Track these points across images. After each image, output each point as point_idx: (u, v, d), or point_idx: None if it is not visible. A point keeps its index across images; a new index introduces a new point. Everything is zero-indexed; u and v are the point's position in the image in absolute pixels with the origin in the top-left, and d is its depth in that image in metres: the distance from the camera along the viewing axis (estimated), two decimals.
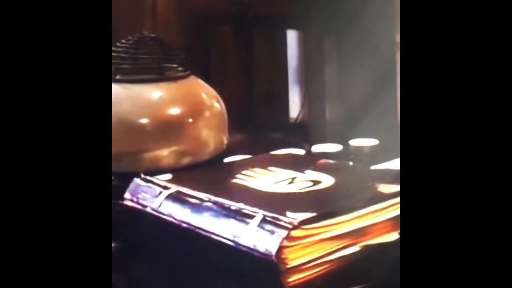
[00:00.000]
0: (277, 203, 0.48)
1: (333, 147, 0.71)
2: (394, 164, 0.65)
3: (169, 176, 0.55)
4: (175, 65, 0.70)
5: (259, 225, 0.43)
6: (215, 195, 0.49)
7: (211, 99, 0.71)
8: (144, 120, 0.65)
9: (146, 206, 0.51)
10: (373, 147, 0.71)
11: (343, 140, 0.73)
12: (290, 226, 0.42)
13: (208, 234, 0.46)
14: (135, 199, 0.52)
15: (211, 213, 0.47)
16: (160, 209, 0.50)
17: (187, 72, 0.71)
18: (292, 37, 1.55)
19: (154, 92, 0.67)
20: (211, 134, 0.69)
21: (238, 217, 0.45)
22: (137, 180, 0.53)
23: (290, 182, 0.52)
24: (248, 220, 0.44)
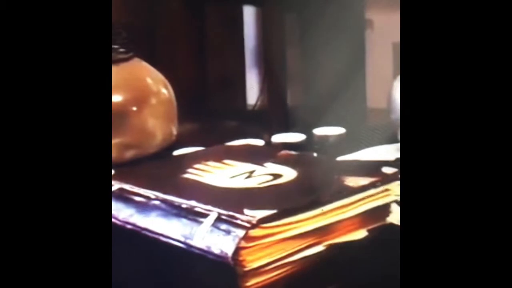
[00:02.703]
0: (233, 200, 0.48)
1: (295, 137, 0.72)
2: (362, 154, 0.66)
3: (111, 173, 0.55)
4: (116, 46, 0.69)
5: (213, 225, 0.44)
6: (164, 192, 0.49)
7: (158, 84, 0.71)
8: None
9: None
10: (340, 136, 0.72)
11: (306, 129, 0.74)
12: (248, 225, 0.43)
13: (156, 236, 0.46)
14: None
15: (159, 212, 0.47)
16: None
17: (130, 54, 0.71)
18: (249, 13, 1.55)
19: None
20: (158, 124, 0.68)
21: (190, 216, 0.45)
22: None
23: (248, 176, 0.52)
24: (201, 219, 0.44)
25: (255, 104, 1.50)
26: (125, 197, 0.50)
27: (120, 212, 0.49)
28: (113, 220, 0.48)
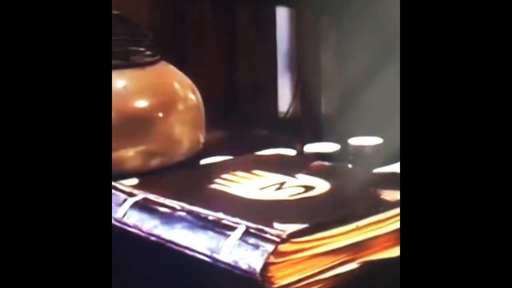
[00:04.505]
0: (262, 213, 0.48)
1: (329, 147, 0.72)
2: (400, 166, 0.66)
3: (135, 180, 0.55)
4: (142, 49, 0.70)
5: (241, 238, 0.44)
6: (190, 203, 0.49)
7: (185, 90, 0.72)
8: None
9: None
10: (376, 146, 0.72)
11: (341, 139, 0.74)
12: (278, 240, 0.43)
13: (181, 249, 0.46)
14: None
15: (184, 224, 0.48)
16: (125, 220, 0.51)
17: (157, 57, 0.71)
18: (282, 15, 1.56)
19: (117, 81, 0.68)
20: (185, 131, 0.69)
21: (217, 229, 0.46)
22: None
23: (278, 188, 0.52)
24: (229, 233, 0.45)
25: (287, 112, 1.50)
26: (149, 208, 0.51)
27: (144, 223, 0.49)
28: (137, 231, 0.49)
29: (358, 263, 0.45)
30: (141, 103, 0.67)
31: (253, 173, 0.56)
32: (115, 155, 0.65)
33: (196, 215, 0.48)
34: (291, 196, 0.51)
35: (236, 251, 0.43)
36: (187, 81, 0.73)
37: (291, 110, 1.50)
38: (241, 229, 0.44)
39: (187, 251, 0.46)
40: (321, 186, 0.52)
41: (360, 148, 0.72)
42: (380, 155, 0.71)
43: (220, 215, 0.47)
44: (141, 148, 0.65)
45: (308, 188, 0.52)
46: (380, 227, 0.46)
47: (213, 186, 0.54)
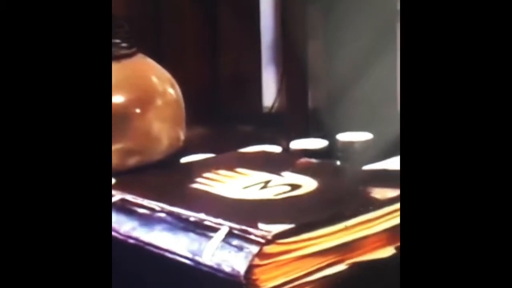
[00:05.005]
0: (246, 213, 0.49)
1: (317, 143, 0.72)
2: (391, 163, 0.67)
3: (112, 180, 0.56)
4: (117, 41, 0.70)
5: (224, 240, 0.44)
6: (170, 204, 0.50)
7: (164, 84, 0.72)
8: None
9: None
10: (366, 142, 0.73)
11: (329, 135, 0.75)
12: (263, 241, 0.43)
13: (161, 252, 0.47)
14: None
15: (164, 225, 0.48)
16: None
17: (133, 49, 0.72)
18: (266, 3, 1.56)
19: None
20: (164, 128, 0.69)
21: (198, 231, 0.46)
22: None
23: (263, 187, 0.53)
24: (211, 234, 0.45)
25: (272, 106, 1.50)
26: (127, 209, 0.51)
27: (122, 225, 0.50)
28: (114, 233, 0.50)
29: (347, 264, 0.45)
30: (117, 99, 0.67)
31: (236, 172, 0.56)
32: None
33: (177, 216, 0.48)
34: (276, 195, 0.51)
35: (219, 253, 0.44)
36: (166, 74, 0.73)
37: (276, 104, 1.51)
38: (224, 230, 0.45)
39: (167, 254, 0.46)
40: (308, 184, 0.53)
41: (349, 144, 0.73)
42: (370, 152, 0.72)
43: (202, 216, 0.47)
44: (117, 146, 0.66)
45: (294, 186, 0.53)
46: (370, 227, 0.47)
47: (195, 185, 0.54)
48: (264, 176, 0.55)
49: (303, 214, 0.48)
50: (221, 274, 0.43)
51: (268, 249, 0.43)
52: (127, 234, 0.49)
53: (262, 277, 0.42)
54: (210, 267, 0.44)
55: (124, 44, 0.71)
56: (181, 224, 0.47)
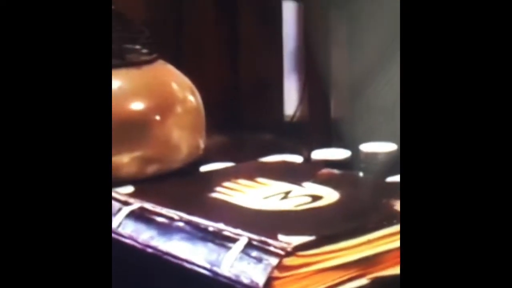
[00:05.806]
0: (266, 224, 0.49)
1: (339, 153, 0.72)
2: None
3: (130, 188, 0.56)
4: (138, 47, 0.71)
5: (243, 251, 0.44)
6: (188, 213, 0.50)
7: (184, 91, 0.72)
8: None
9: None
10: (390, 153, 0.72)
11: (352, 145, 0.74)
12: (282, 253, 0.43)
13: (179, 262, 0.47)
14: None
15: (183, 235, 0.48)
16: (120, 230, 0.51)
17: (154, 56, 0.72)
18: (289, 9, 1.56)
19: (112, 82, 0.68)
20: (183, 136, 0.70)
21: (217, 241, 0.46)
22: None
23: (284, 197, 0.53)
24: (230, 245, 0.45)
25: (294, 115, 1.50)
26: (146, 217, 0.51)
27: (140, 233, 0.50)
28: (132, 242, 0.50)
29: (369, 279, 0.45)
30: (137, 105, 0.67)
31: (256, 181, 0.56)
32: None
33: (195, 226, 0.48)
34: (297, 206, 0.51)
35: (237, 264, 0.44)
36: (186, 81, 0.73)
37: (298, 113, 1.50)
38: (243, 241, 0.45)
39: (185, 264, 0.46)
40: (330, 195, 0.53)
41: (373, 155, 0.72)
42: (394, 163, 0.71)
43: (221, 226, 0.47)
44: (137, 153, 0.66)
45: (315, 197, 0.52)
46: (393, 241, 0.47)
47: (214, 195, 0.54)
48: (284, 186, 0.55)
49: (324, 226, 0.48)
50: (239, 286, 0.43)
51: (288, 261, 0.43)
52: (145, 243, 0.49)
53: None
54: (229, 278, 0.44)
55: (144, 50, 0.71)
56: (200, 234, 0.47)
